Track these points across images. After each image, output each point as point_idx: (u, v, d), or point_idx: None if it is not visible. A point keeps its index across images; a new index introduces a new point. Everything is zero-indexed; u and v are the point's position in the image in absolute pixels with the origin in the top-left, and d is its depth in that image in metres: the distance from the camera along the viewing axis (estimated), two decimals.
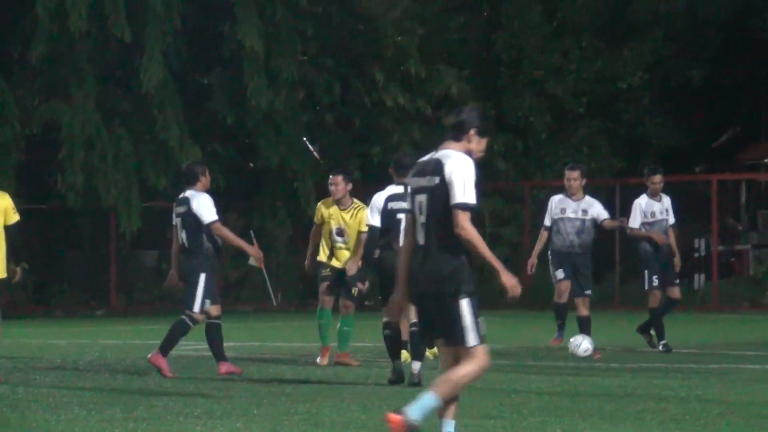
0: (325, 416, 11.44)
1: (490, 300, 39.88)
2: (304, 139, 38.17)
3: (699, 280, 42.93)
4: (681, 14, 43.93)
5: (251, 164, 40.36)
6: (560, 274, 20.76)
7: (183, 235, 17.22)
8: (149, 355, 16.16)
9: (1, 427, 11.43)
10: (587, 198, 20.70)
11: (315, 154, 39.10)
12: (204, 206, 16.85)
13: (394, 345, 16.21)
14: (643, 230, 21.54)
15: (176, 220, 17.42)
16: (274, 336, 27.68)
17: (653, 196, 21.26)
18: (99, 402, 13.51)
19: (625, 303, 37.46)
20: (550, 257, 21.16)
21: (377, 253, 16.15)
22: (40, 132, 34.83)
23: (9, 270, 16.72)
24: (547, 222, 20.77)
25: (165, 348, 16.66)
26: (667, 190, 39.80)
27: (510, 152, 41.32)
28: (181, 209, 17.31)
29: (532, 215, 38.55)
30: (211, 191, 41.59)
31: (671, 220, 22.06)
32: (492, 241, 38.12)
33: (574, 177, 20.86)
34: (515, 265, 37.30)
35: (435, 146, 27.78)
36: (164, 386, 15.60)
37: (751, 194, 44.30)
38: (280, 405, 12.62)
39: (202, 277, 17.23)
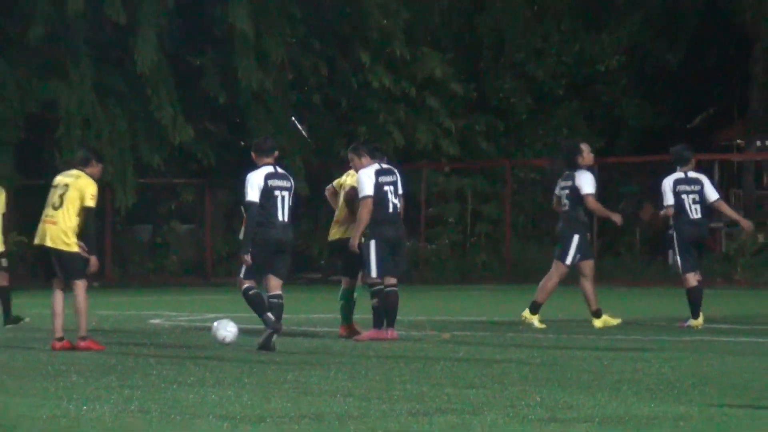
0: (313, 384, 11.44)
1: (474, 275, 40.58)
2: (293, 118, 38.29)
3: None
4: (657, 0, 43.09)
5: (242, 142, 39.93)
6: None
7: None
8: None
9: (1, 393, 11.09)
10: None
11: (303, 132, 39.44)
12: None
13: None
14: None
15: None
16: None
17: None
18: (95, 370, 13.47)
19: (601, 279, 35.37)
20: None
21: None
22: (39, 110, 34.77)
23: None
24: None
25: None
26: (643, 169, 39.02)
27: (491, 132, 41.60)
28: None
29: (513, 193, 39.38)
30: (203, 169, 40.75)
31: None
32: (474, 218, 39.54)
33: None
34: (496, 241, 38.31)
35: (418, 125, 26.01)
36: (159, 355, 15.79)
37: (724, 174, 44.03)
38: (270, 374, 12.69)
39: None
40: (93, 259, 16.55)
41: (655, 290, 33.64)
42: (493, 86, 41.14)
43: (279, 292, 16.26)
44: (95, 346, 15.41)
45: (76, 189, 15.41)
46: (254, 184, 15.94)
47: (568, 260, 19.58)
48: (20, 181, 35.27)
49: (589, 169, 20.45)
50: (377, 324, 17.44)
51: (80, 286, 15.81)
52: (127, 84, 35.71)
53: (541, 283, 18.45)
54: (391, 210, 17.89)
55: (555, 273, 18.17)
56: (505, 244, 40.04)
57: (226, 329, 16.14)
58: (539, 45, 42.00)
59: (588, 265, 18.84)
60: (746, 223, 22.51)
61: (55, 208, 16.13)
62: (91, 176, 16.24)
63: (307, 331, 20.31)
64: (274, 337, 15.93)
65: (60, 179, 15.92)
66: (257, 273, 16.25)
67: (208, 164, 38.05)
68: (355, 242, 17.84)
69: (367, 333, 17.44)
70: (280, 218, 16.16)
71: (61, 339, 15.65)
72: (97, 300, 26.13)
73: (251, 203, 16.06)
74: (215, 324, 16.20)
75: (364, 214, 17.81)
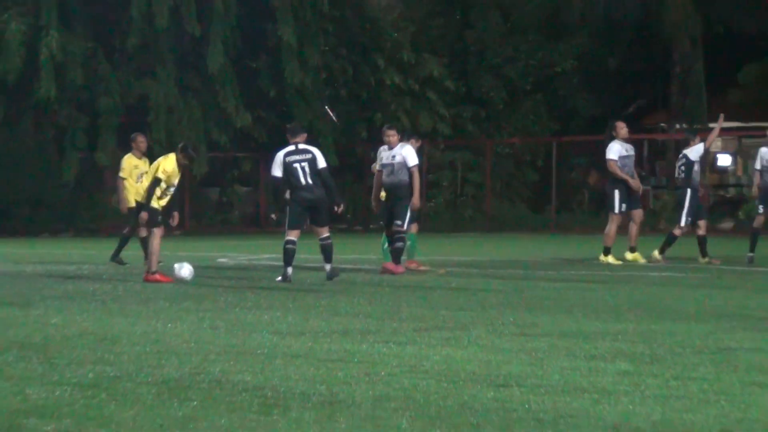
0: (341, 307, 11.77)
1: (462, 226, 40.71)
2: (326, 108, 38.19)
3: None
4: (600, 16, 42.20)
5: (286, 125, 39.51)
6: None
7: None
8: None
9: (105, 314, 11.64)
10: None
11: (334, 118, 39.38)
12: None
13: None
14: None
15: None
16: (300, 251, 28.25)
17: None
18: (177, 297, 13.70)
19: (558, 227, 38.02)
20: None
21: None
22: (134, 102, 34.25)
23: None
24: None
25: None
26: (590, 147, 38.99)
27: (476, 118, 42.42)
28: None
29: (492, 164, 40.15)
30: (258, 145, 39.67)
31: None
32: (463, 183, 40.24)
33: None
34: (479, 200, 39.27)
35: (421, 113, 25.87)
36: (224, 286, 16.11)
37: (651, 150, 44.26)
38: (308, 299, 12.99)
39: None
40: (175, 215, 17.26)
41: (599, 237, 32.96)
42: (477, 83, 40.37)
43: (326, 235, 16.18)
44: (163, 278, 15.62)
45: (155, 166, 16.14)
46: (276, 162, 16.09)
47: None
48: (120, 156, 32.61)
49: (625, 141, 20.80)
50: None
51: (157, 233, 16.08)
52: (201, 82, 35.31)
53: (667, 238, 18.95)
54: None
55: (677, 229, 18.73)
56: (486, 203, 40.69)
57: (182, 270, 16.24)
58: (512, 52, 41.45)
59: (637, 214, 19.96)
60: (635, 184, 21.50)
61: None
62: (178, 159, 16.73)
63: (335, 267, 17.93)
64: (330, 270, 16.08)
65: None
66: (298, 224, 16.14)
67: (262, 142, 37.81)
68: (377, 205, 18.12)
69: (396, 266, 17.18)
70: (303, 182, 16.23)
71: (154, 273, 15.76)
72: (178, 245, 26.23)
73: (273, 177, 16.23)
74: (176, 265, 16.28)
75: (416, 181, 17.77)
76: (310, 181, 16.34)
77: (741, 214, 37.17)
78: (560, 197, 38.90)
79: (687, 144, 21.64)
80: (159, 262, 16.60)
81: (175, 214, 17.73)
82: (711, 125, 30.57)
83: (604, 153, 22.46)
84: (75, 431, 5.63)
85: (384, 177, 17.20)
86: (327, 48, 37.11)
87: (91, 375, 7.46)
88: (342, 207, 18.29)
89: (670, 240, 20.60)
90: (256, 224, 37.92)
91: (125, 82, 33.56)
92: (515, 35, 41.26)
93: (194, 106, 33.66)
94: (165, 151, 19.15)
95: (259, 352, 8.61)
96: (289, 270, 16.20)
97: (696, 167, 20.72)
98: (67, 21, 33.02)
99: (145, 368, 7.72)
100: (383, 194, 17.66)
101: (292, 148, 16.26)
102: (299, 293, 14.19)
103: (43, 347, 8.95)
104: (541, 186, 39.08)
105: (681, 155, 21.16)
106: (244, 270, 19.32)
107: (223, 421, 5.90)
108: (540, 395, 6.85)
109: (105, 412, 6.17)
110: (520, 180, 38.63)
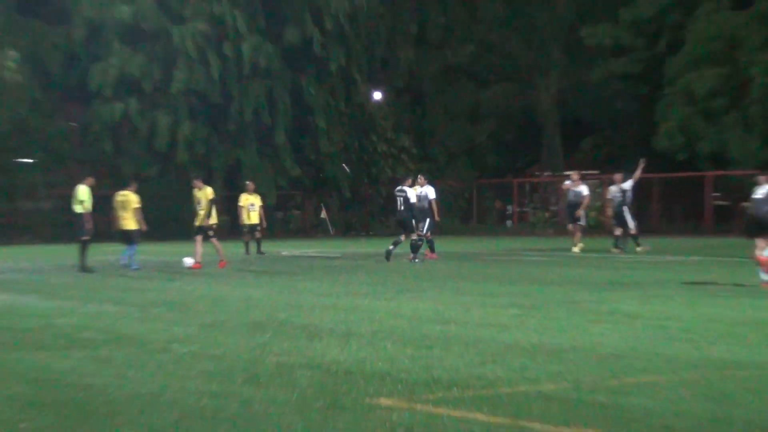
0: (353, 280, 11.92)
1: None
2: (343, 164, 34.91)
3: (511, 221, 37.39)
4: (502, 109, 38.10)
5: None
6: None
7: None
8: None
9: (215, 284, 11.75)
10: None
11: (347, 171, 35.47)
12: None
13: None
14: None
15: None
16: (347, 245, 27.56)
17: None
18: (258, 273, 14.04)
19: (479, 232, 33.47)
20: None
21: None
22: (233, 163, 31.67)
23: None
24: None
25: None
26: (496, 186, 38.39)
27: (429, 170, 32.58)
28: None
29: (441, 197, 31.31)
30: (305, 187, 35.89)
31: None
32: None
33: None
34: None
35: (396, 168, 35.62)
36: (286, 267, 15.73)
37: (533, 190, 38.88)
38: (333, 275, 12.99)
39: None
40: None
41: (503, 239, 31.76)
42: (430, 149, 37.59)
43: (415, 237, 16.13)
44: (223, 264, 14.92)
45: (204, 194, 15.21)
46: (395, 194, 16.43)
47: None
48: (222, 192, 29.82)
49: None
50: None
51: (199, 240, 14.99)
52: (271, 150, 32.57)
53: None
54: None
55: None
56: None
57: (186, 261, 15.14)
58: (451, 131, 38.23)
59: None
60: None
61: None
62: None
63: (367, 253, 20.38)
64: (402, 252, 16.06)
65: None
66: (399, 231, 16.50)
67: (306, 185, 35.63)
68: None
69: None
70: (399, 208, 16.28)
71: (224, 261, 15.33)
72: (263, 244, 22.11)
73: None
74: (185, 259, 15.23)
75: None
76: (402, 209, 16.37)
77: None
78: (479, 215, 37.54)
79: (613, 182, 20.05)
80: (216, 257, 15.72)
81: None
82: (567, 172, 27.29)
83: (506, 189, 21.66)
84: (202, 353, 5.91)
85: (417, 203, 16.61)
86: (344, 130, 35.65)
87: (209, 319, 7.89)
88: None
89: (635, 237, 19.29)
90: (303, 232, 35.58)
91: (227, 150, 32.64)
92: (454, 121, 38.62)
93: (267, 165, 32.83)
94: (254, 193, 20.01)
95: (305, 305, 8.86)
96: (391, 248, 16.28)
97: (629, 193, 19.52)
98: (195, 114, 31.68)
99: (240, 315, 8.28)
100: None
101: (398, 186, 16.67)
102: (328, 272, 14.61)
103: (181, 304, 9.40)
104: (469, 208, 37.52)
105: (617, 188, 19.59)
106: (297, 258, 19.10)
107: (285, 345, 6.23)
108: (467, 328, 7.11)
109: (218, 340, 6.58)
110: (456, 205, 36.02)
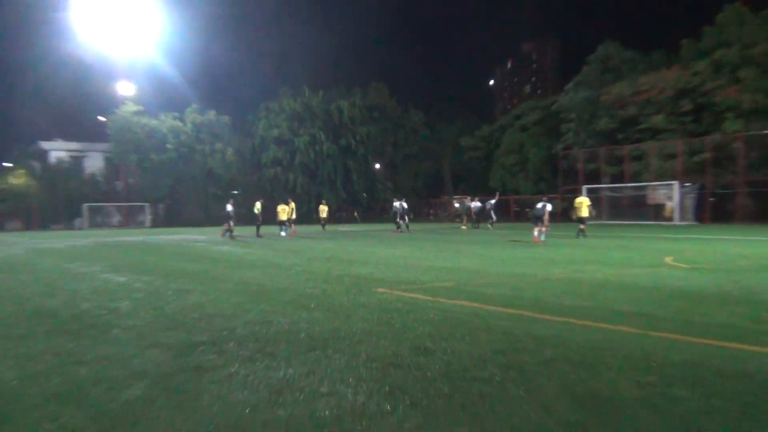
0: (382, 243, 19.74)
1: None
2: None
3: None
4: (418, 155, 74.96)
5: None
6: None
7: None
8: None
9: (267, 251, 18.73)
10: None
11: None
12: None
13: None
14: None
15: None
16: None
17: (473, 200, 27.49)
18: (328, 238, 24.22)
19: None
20: None
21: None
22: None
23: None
24: None
25: None
26: (428, 203, 74.50)
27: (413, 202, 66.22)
28: None
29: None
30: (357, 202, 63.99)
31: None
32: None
33: None
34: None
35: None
36: (347, 236, 23.71)
37: (440, 204, 68.88)
38: (375, 240, 20.07)
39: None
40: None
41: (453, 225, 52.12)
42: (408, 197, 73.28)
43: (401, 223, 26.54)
44: (293, 234, 20.62)
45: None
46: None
47: None
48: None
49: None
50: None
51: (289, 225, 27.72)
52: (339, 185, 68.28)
53: None
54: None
55: None
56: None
57: (282, 233, 20.51)
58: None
59: None
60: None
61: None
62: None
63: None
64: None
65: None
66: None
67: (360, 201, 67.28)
68: None
69: None
70: (397, 211, 24.67)
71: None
72: (349, 227, 40.60)
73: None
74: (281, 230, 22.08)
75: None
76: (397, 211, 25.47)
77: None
78: (424, 215, 69.56)
79: (492, 197, 33.38)
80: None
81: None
82: (457, 196, 62.27)
83: (431, 204, 51.85)
84: (305, 270, 10.90)
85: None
86: (363, 181, 67.04)
87: (308, 256, 15.20)
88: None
89: (491, 223, 31.51)
90: (348, 221, 59.47)
91: (315, 188, 65.46)
92: (408, 176, 70.16)
93: (331, 194, 63.93)
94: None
95: (347, 250, 15.51)
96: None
97: (488, 206, 32.26)
98: (304, 173, 64.93)
99: (319, 254, 14.50)
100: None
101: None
102: (356, 237, 21.91)
103: (294, 250, 17.86)
104: (420, 212, 68.57)
105: (488, 203, 31.34)
106: (355, 233, 29.04)
107: (340, 266, 11.82)
108: (414, 260, 14.31)
109: (312, 265, 12.15)
110: (419, 210, 56.82)
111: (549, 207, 22.48)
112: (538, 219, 21.71)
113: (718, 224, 44.53)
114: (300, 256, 15.91)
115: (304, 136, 65.40)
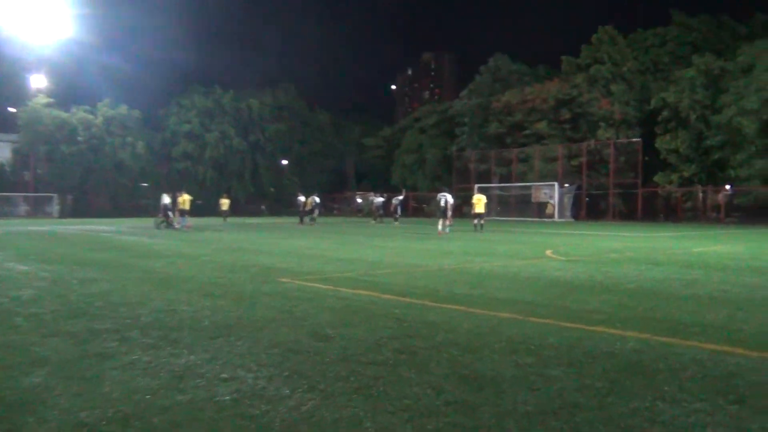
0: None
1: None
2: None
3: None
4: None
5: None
6: None
7: None
8: None
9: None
10: None
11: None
12: None
13: None
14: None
15: None
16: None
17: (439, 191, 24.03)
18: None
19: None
20: None
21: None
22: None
23: None
24: None
25: None
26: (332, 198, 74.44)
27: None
28: None
29: None
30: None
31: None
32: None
33: None
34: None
35: None
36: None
37: (346, 199, 71.63)
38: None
39: None
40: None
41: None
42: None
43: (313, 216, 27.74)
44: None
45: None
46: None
47: None
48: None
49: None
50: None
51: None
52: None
53: None
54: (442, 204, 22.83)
55: None
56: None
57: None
58: None
59: None
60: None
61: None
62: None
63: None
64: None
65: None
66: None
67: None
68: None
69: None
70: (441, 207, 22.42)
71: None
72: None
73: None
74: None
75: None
76: (441, 205, 22.25)
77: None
78: (330, 209, 67.65)
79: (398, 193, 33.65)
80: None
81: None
82: (360, 192, 62.01)
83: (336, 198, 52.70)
84: (212, 260, 11.38)
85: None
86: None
87: (214, 247, 14.86)
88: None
89: (396, 218, 31.95)
90: (262, 214, 64.93)
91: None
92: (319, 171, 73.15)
93: (237, 187, 66.34)
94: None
95: (266, 250, 15.43)
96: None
97: (395, 201, 32.55)
98: (215, 164, 68.05)
99: (224, 244, 15.77)
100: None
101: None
102: (282, 230, 23.98)
103: (204, 240, 19.14)
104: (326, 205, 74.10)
105: (395, 199, 32.49)
106: (261, 225, 29.82)
107: (245, 256, 11.80)
108: (318, 251, 15.23)
109: (219, 255, 12.26)
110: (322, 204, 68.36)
111: (450, 199, 22.58)
112: (442, 212, 21.71)
113: (592, 221, 45.52)
114: (207, 247, 15.72)
115: (214, 131, 65.13)
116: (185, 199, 28.49)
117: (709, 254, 15.37)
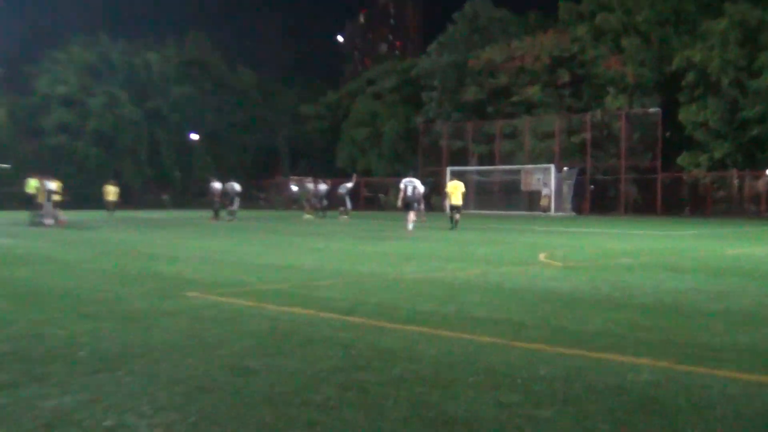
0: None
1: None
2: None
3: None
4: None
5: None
6: None
7: None
8: None
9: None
10: None
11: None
12: None
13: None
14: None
15: None
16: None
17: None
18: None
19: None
20: None
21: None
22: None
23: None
24: None
25: None
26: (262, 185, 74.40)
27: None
28: None
29: None
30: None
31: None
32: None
33: None
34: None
35: None
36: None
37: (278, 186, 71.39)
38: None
39: None
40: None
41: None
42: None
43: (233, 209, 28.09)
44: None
45: None
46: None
47: None
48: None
49: None
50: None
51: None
52: None
53: None
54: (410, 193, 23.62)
55: None
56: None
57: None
58: None
59: None
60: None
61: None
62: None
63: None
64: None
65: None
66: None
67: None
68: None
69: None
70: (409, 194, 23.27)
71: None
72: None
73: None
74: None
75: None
76: (409, 194, 23.24)
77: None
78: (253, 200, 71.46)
79: (349, 179, 35.08)
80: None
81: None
82: (294, 177, 62.83)
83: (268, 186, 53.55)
84: (41, 283, 10.28)
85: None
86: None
87: (99, 250, 17.20)
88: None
89: (346, 212, 34.73)
90: (163, 206, 65.48)
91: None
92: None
93: (129, 169, 66.85)
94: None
95: (167, 253, 16.78)
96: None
97: (349, 190, 35.14)
98: (101, 139, 66.43)
99: (93, 262, 14.94)
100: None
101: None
102: (189, 227, 24.50)
103: (88, 240, 21.70)
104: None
105: (342, 186, 34.34)
106: (162, 220, 29.80)
107: (141, 289, 9.92)
108: (235, 256, 17.54)
109: (108, 260, 14.45)
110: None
111: (420, 187, 22.91)
112: (411, 203, 22.20)
113: (598, 216, 45.90)
114: (88, 250, 15.67)
115: (99, 95, 63.57)
116: (57, 186, 28.57)
117: (745, 258, 15.58)
